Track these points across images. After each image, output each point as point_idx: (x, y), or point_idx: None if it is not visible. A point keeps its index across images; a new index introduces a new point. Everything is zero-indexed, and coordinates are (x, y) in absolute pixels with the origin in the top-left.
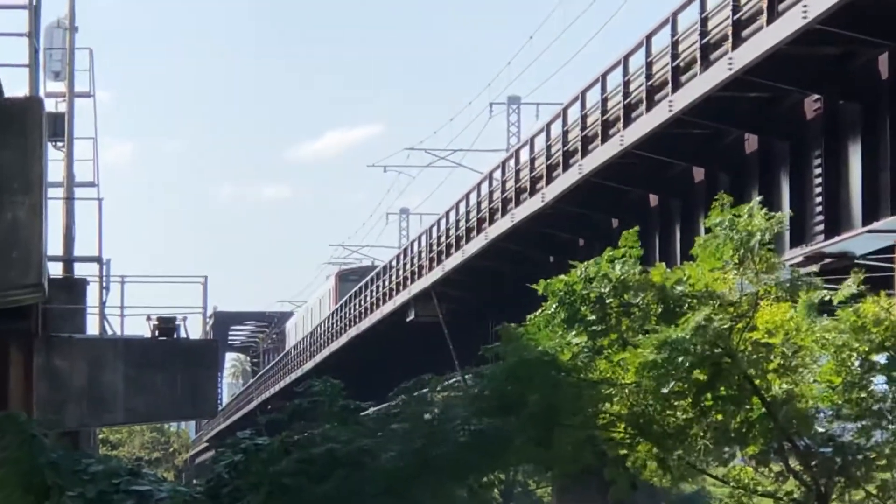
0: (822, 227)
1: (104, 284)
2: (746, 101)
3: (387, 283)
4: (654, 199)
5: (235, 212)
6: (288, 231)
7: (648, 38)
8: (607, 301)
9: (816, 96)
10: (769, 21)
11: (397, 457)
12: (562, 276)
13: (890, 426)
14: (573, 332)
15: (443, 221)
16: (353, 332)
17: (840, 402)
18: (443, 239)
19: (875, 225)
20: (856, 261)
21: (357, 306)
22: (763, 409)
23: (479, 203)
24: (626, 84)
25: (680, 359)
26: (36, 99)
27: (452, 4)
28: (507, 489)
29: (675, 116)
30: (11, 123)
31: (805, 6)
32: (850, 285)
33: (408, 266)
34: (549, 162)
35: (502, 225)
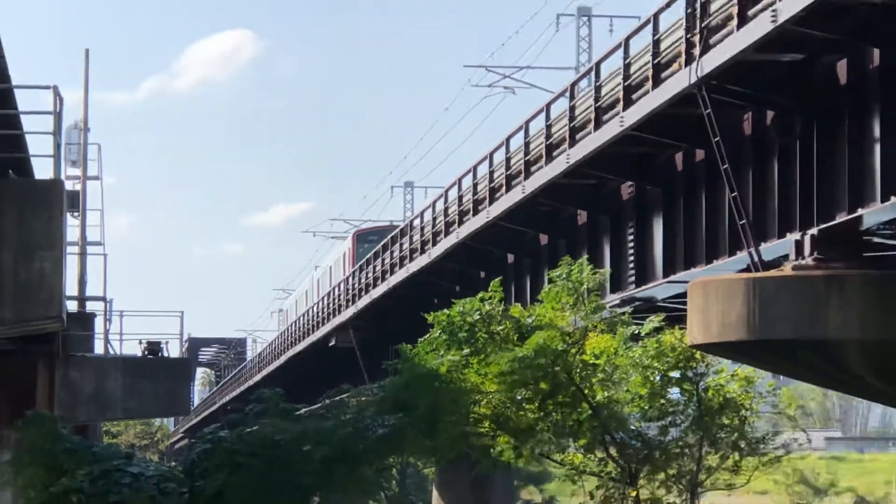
0: (633, 278)
1: (108, 317)
2: (576, 188)
3: (314, 317)
4: (511, 258)
5: (205, 262)
6: (243, 278)
7: (485, 162)
8: (476, 330)
9: (630, 182)
10: (596, 127)
11: (324, 446)
12: (444, 311)
13: (682, 425)
14: (450, 352)
15: (356, 273)
16: (290, 353)
17: (646, 408)
18: (356, 285)
19: (672, 276)
20: (658, 303)
21: (293, 333)
22: (590, 412)
23: (383, 259)
24: (491, 174)
25: (527, 371)
26: (58, 180)
27: (367, 103)
28: (402, 469)
29: (528, 196)
30: (41, 198)
31: (622, 118)
32: (652, 321)
33: (330, 305)
34: (434, 229)
35: (400, 275)
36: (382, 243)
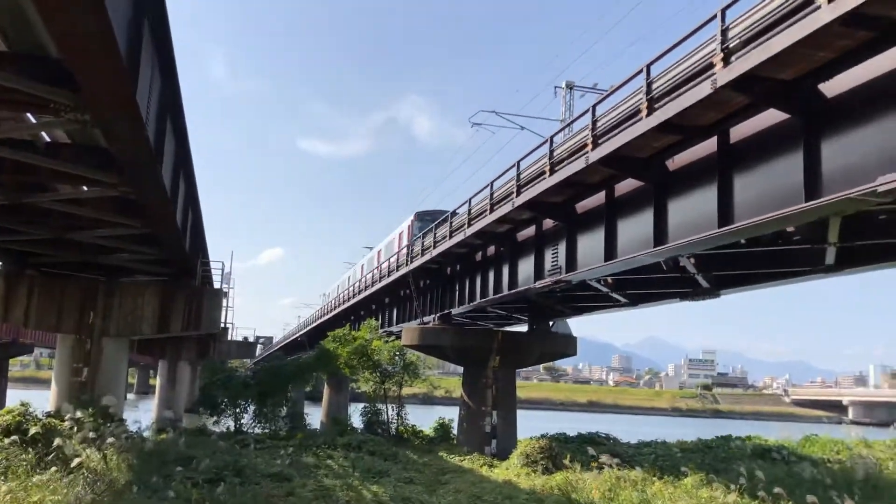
0: (388, 325)
1: (233, 329)
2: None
3: (302, 328)
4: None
5: (267, 315)
6: (284, 316)
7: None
8: (342, 337)
9: (388, 297)
10: (397, 271)
11: (296, 366)
12: (333, 332)
13: (399, 367)
14: (335, 343)
15: (317, 312)
16: (283, 342)
17: (388, 362)
18: (313, 318)
19: (401, 325)
20: (395, 333)
21: (288, 335)
22: (371, 363)
23: (331, 304)
24: (381, 268)
25: (355, 350)
26: (221, 289)
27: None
28: (316, 377)
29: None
30: (216, 294)
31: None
32: (392, 338)
33: (300, 329)
34: (357, 288)
35: (334, 313)
36: (335, 301)
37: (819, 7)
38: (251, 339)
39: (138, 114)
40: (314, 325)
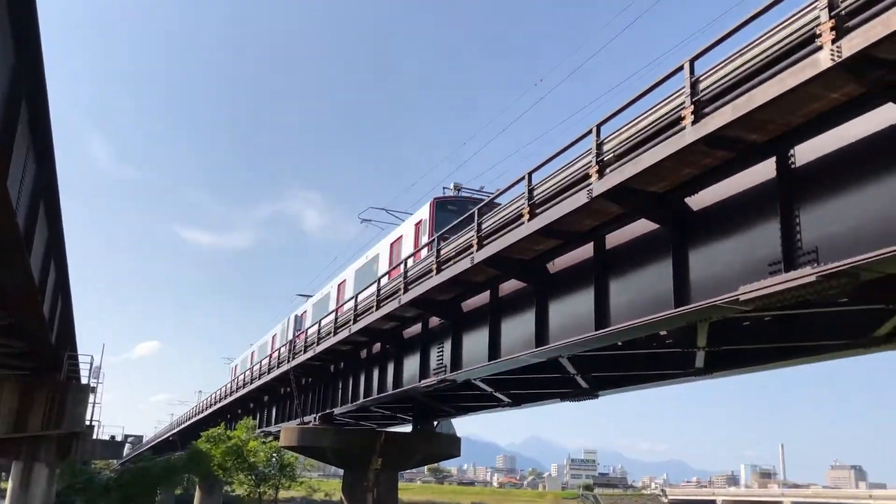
0: (265, 424)
1: (99, 427)
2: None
3: (175, 427)
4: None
5: (140, 411)
6: (157, 414)
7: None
8: (217, 437)
9: (268, 396)
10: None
11: (166, 467)
12: (207, 432)
13: (274, 470)
14: (209, 444)
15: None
16: (160, 437)
17: (264, 463)
18: (187, 416)
19: (279, 426)
20: (273, 433)
21: (169, 429)
22: (247, 464)
23: (219, 395)
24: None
25: (230, 450)
26: (88, 385)
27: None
28: (188, 478)
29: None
30: (83, 389)
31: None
32: (270, 438)
33: (172, 428)
34: (242, 381)
35: (210, 410)
36: (218, 392)
37: (684, 128)
38: (119, 438)
39: (8, 200)
40: (188, 423)
